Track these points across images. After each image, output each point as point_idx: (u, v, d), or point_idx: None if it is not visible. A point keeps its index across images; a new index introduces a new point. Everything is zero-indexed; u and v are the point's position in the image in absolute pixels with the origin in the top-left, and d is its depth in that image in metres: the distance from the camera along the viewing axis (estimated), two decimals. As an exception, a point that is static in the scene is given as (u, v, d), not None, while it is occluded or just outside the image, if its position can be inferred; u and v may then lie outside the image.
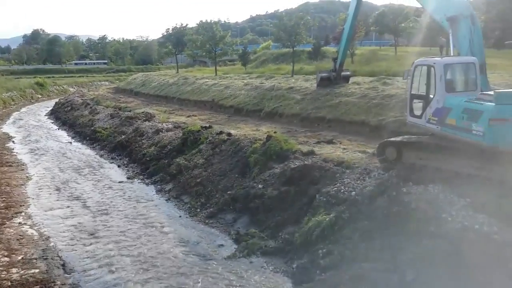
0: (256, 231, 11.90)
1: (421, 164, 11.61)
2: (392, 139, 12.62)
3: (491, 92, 9.77)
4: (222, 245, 11.72)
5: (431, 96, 11.08)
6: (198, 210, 14.01)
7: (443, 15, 12.01)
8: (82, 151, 23.80)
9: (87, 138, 26.58)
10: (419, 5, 15.35)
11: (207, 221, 13.23)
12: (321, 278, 9.16)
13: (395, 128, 15.82)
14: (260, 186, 13.50)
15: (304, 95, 23.19)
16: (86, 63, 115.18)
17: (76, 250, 11.55)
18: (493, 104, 9.15)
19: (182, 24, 54.58)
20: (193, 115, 27.05)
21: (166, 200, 15.45)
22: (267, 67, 44.88)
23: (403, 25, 43.05)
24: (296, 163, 13.61)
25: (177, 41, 52.90)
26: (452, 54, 11.98)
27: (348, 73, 23.24)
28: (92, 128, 27.64)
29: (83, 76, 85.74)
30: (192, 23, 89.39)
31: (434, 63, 10.91)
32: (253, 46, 79.44)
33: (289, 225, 11.73)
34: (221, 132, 18.43)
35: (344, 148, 15.29)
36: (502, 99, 9.10)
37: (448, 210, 9.08)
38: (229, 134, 17.99)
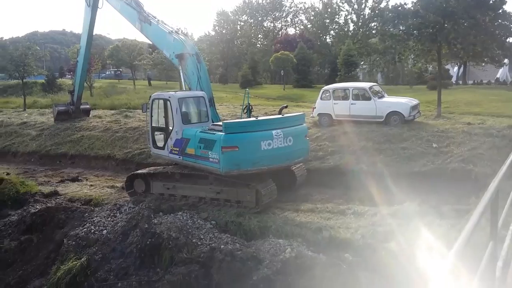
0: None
1: (169, 193, 12.21)
2: (139, 171, 12.84)
3: (221, 123, 11.10)
4: None
5: (171, 128, 11.82)
6: None
7: (172, 52, 13.05)
8: None
9: None
10: (151, 42, 16.22)
11: None
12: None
13: (141, 160, 16.12)
14: (-8, 240, 11.54)
15: (41, 131, 21.10)
16: None
17: None
18: (223, 133, 10.40)
19: None
20: None
21: None
22: (-9, 100, 38.88)
23: (138, 60, 44.67)
24: (37, 206, 12.29)
25: None
26: (184, 89, 13.07)
27: (88, 106, 22.46)
28: None
29: None
30: None
31: (170, 97, 11.70)
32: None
33: (35, 279, 10.38)
34: None
35: (92, 185, 14.66)
36: (230, 128, 10.45)
37: (197, 235, 9.77)
38: None
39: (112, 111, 23.98)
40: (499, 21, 17.49)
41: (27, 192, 13.19)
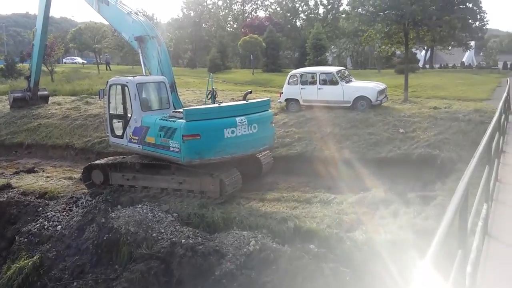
0: None
1: (130, 184, 11.66)
2: (97, 161, 12.21)
3: (182, 110, 10.58)
4: None
5: (129, 115, 11.21)
6: None
7: (131, 34, 12.35)
8: None
9: None
10: (109, 24, 15.38)
11: None
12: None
13: (101, 149, 15.40)
14: None
15: (-5, 119, 19.95)
16: None
17: None
18: (184, 121, 9.89)
19: None
20: None
21: None
22: None
23: (101, 44, 42.87)
24: (-13, 202, 11.49)
25: None
26: (144, 74, 12.41)
27: (46, 92, 21.32)
28: None
29: None
30: None
31: (127, 82, 11.06)
32: None
33: (-16, 279, 9.75)
34: None
35: (48, 176, 13.89)
36: (191, 116, 9.94)
37: (158, 228, 9.31)
38: None
39: (73, 98, 22.87)
40: (467, 4, 17.47)
41: (-24, 185, 12.34)
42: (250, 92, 12.85)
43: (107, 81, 11.87)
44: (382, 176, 11.69)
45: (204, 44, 56.93)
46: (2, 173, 14.52)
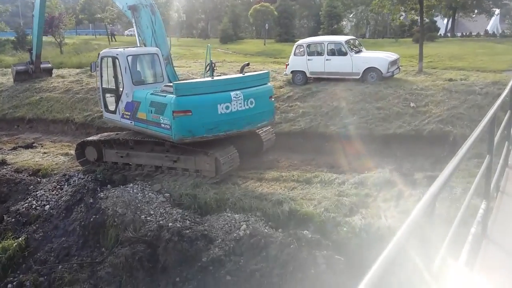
0: None
1: (124, 162, 11.22)
2: (90, 138, 11.77)
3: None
4: None
5: (121, 89, 10.66)
6: None
7: (125, 3, 11.64)
8: None
9: None
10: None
11: None
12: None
13: (102, 123, 14.90)
14: None
15: (-1, 92, 19.69)
16: None
17: None
18: (174, 96, 9.26)
19: None
20: None
21: None
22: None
23: (103, 14, 41.66)
24: (-21, 179, 11.21)
25: None
26: (138, 45, 11.76)
27: (49, 65, 20.83)
28: None
29: None
30: None
31: (117, 54, 10.46)
32: None
33: (-27, 260, 9.53)
34: None
35: (45, 152, 13.55)
36: (181, 90, 9.29)
37: (147, 210, 8.86)
38: None
39: (78, 70, 22.39)
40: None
41: (-28, 162, 12.08)
42: (248, 65, 12.07)
43: (99, 53, 11.28)
44: (389, 154, 10.98)
45: (217, 14, 55.54)
46: (0, 149, 14.24)
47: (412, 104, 12.36)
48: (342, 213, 8.10)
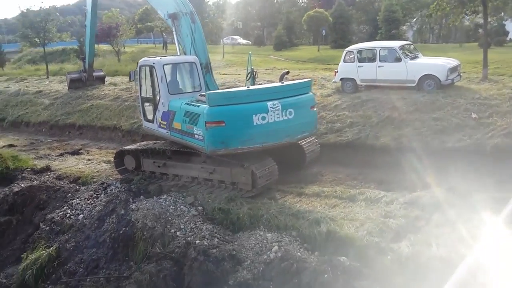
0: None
1: (161, 171, 10.94)
2: (128, 147, 11.63)
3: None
4: None
5: (158, 98, 10.39)
6: None
7: (166, 12, 11.44)
8: None
9: None
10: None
11: None
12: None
13: (146, 131, 14.89)
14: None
15: (54, 100, 20.43)
16: None
17: None
18: (207, 106, 8.80)
19: None
20: None
21: None
22: (24, 68, 39.09)
23: (154, 23, 42.35)
24: (22, 184, 11.36)
25: None
26: (179, 53, 11.49)
27: (102, 73, 21.40)
28: None
29: None
30: None
31: (154, 63, 10.21)
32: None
33: (9, 266, 9.55)
34: None
35: (89, 159, 13.67)
36: (214, 100, 8.79)
37: (177, 224, 8.41)
38: None
39: (130, 78, 22.82)
40: None
41: (18, 168, 12.33)
42: (288, 73, 11.39)
43: (137, 62, 11.13)
44: (446, 171, 9.83)
45: (273, 21, 55.29)
46: (48, 155, 14.56)
47: (474, 115, 11.12)
48: (387, 238, 7.19)
